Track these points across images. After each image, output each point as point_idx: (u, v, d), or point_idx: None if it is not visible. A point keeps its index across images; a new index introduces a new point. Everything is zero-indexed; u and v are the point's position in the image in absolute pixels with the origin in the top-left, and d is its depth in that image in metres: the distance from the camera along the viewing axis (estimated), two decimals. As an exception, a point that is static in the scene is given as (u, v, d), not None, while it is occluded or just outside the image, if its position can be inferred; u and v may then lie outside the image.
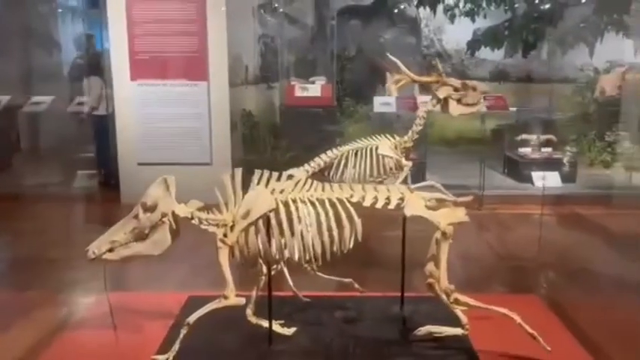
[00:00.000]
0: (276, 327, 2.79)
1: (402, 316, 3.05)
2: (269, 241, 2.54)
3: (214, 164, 6.30)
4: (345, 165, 3.69)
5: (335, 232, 2.55)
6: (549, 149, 7.50)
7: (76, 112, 7.02)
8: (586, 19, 8.77)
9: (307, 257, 2.56)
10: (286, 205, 2.55)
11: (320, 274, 3.09)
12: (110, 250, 2.53)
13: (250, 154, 7.24)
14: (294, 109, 7.15)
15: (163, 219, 2.50)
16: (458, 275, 2.66)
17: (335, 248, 2.56)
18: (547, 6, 9.07)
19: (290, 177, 2.65)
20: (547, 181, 6.79)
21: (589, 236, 5.37)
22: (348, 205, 2.57)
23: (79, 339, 2.97)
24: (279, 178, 2.62)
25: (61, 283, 3.93)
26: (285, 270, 3.00)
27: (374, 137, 3.77)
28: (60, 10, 8.31)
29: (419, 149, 6.37)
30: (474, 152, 7.02)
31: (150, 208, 2.50)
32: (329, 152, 3.73)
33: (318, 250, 2.55)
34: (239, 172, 2.57)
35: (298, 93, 7.10)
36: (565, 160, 7.28)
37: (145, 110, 6.30)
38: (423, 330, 2.73)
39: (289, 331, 2.81)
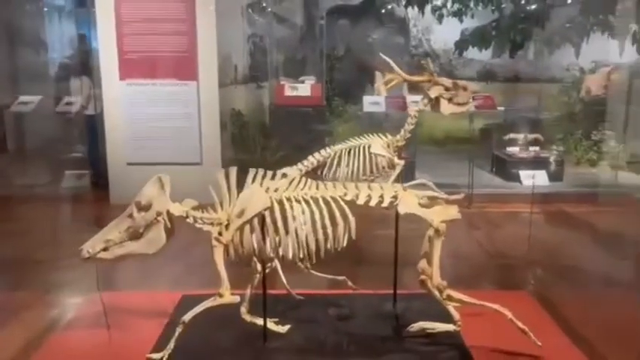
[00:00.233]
0: (271, 325, 2.80)
1: (394, 313, 3.08)
2: (264, 239, 2.55)
3: (204, 164, 6.29)
4: (338, 164, 3.71)
5: (329, 230, 2.57)
6: (536, 148, 7.59)
7: (64, 111, 6.95)
8: (572, 20, 8.88)
9: (302, 255, 2.58)
10: (281, 203, 2.57)
11: (314, 272, 3.12)
12: (104, 250, 2.52)
13: (240, 153, 7.23)
14: (283, 109, 7.15)
15: (158, 218, 2.51)
16: (449, 273, 2.69)
17: (329, 246, 2.58)
18: (534, 6, 9.16)
19: (284, 176, 2.66)
20: (535, 179, 6.86)
21: (576, 233, 5.45)
22: (342, 203, 2.60)
23: (72, 339, 2.96)
24: (273, 177, 2.63)
25: (51, 284, 3.90)
26: (279, 268, 3.02)
27: (366, 136, 3.80)
28: (46, 9, 8.22)
29: (408, 148, 6.40)
30: (463, 151, 7.06)
31: (144, 207, 2.50)
32: (322, 151, 3.75)
33: (313, 248, 2.57)
34: (234, 170, 2.58)
35: (288, 92, 7.09)
36: (552, 158, 7.36)
37: (134, 110, 6.26)
38: (416, 326, 2.76)
39: (283, 328, 2.83)
